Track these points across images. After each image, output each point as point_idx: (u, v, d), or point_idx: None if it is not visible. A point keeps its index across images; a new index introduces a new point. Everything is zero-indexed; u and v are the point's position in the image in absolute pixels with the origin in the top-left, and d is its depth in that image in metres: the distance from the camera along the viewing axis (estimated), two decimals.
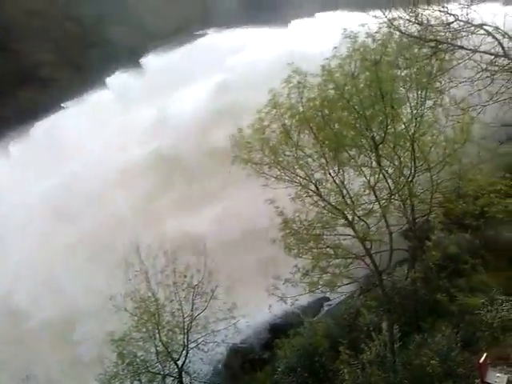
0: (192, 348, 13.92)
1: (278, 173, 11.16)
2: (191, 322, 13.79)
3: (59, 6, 33.50)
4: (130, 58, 26.53)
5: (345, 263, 11.93)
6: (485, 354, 7.28)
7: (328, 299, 15.43)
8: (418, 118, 10.89)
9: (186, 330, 13.78)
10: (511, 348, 7.36)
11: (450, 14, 10.94)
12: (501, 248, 12.69)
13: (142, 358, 13.55)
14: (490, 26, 10.94)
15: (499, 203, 11.18)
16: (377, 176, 11.40)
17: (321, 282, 11.73)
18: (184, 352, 13.75)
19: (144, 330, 13.62)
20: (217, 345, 14.21)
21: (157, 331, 13.56)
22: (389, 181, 11.49)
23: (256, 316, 14.82)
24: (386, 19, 10.35)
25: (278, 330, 14.93)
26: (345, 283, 11.95)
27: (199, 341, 13.98)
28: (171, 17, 31.36)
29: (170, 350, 13.60)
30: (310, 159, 11.03)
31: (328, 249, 11.89)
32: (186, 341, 13.71)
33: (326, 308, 15.93)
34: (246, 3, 32.49)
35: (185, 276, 13.81)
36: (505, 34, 10.83)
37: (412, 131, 10.97)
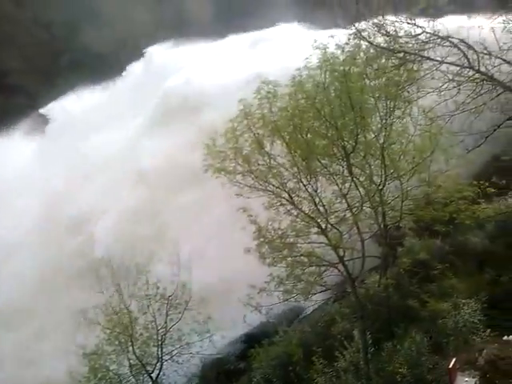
0: (166, 360, 13.70)
1: (252, 182, 11.18)
2: (165, 334, 13.59)
3: (27, 12, 32.82)
4: (101, 65, 26.20)
5: (319, 271, 12.03)
6: (454, 359, 7.41)
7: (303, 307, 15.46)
8: (388, 128, 11.10)
9: (160, 343, 13.56)
10: (478, 352, 7.53)
11: (418, 26, 11.28)
12: (469, 253, 13.02)
13: (114, 371, 13.27)
14: (455, 38, 11.32)
15: (467, 209, 11.46)
16: (348, 184, 11.56)
17: (295, 291, 11.78)
18: (158, 364, 13.53)
19: (117, 342, 13.36)
20: (191, 356, 14.02)
21: (130, 344, 13.31)
22: (360, 189, 11.66)
23: (231, 326, 14.71)
24: (355, 30, 10.59)
25: (254, 339, 14.84)
26: (319, 291, 12.04)
27: (173, 353, 13.77)
28: (143, 24, 31.13)
29: (143, 362, 13.37)
30: (282, 168, 11.10)
31: (302, 257, 11.97)
32: (160, 353, 13.49)
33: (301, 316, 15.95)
34: (221, 10, 32.62)
35: (157, 287, 13.63)
36: (470, 46, 11.23)
37: (382, 140, 11.17)
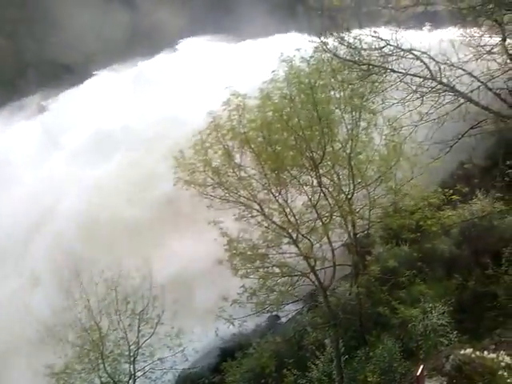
0: (139, 377, 13.43)
1: (222, 194, 11.19)
2: (137, 350, 13.32)
3: None
4: (69, 77, 25.79)
5: (291, 281, 12.08)
6: (421, 366, 7.54)
7: (278, 318, 15.45)
8: (354, 138, 11.31)
9: (131, 359, 13.29)
10: (445, 358, 7.71)
11: (381, 39, 11.60)
12: (437, 259, 13.32)
13: None
14: (418, 50, 11.70)
15: (433, 216, 11.77)
16: (318, 194, 11.70)
17: (268, 302, 11.79)
18: (131, 382, 13.23)
19: (87, 360, 13.02)
20: (165, 372, 13.79)
21: (101, 361, 12.98)
22: (329, 198, 11.82)
23: (205, 340, 14.57)
24: (320, 43, 10.81)
25: (228, 352, 14.73)
26: (291, 301, 12.09)
27: (146, 369, 13.51)
28: (113, 35, 30.83)
29: (115, 380, 13.06)
30: (252, 180, 11.16)
31: (274, 267, 12.01)
32: (132, 370, 13.22)
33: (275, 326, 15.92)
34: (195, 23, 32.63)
35: (128, 302, 13.40)
36: (432, 58, 11.62)
37: (349, 150, 11.37)
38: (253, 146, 10.74)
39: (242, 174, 11.00)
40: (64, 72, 28.58)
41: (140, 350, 13.33)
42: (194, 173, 10.86)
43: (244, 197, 11.14)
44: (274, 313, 12.56)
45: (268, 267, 11.89)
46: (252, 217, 11.31)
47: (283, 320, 14.97)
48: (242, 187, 11.03)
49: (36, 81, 28.35)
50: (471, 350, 8.10)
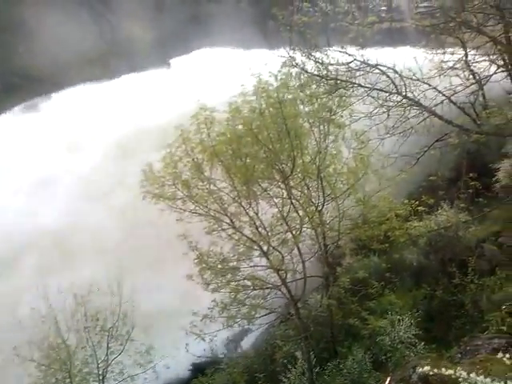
0: None
1: (192, 207, 11.12)
2: (106, 368, 12.96)
3: None
4: (38, 89, 25.28)
5: (262, 294, 12.06)
6: (388, 378, 7.61)
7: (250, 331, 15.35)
8: (323, 151, 11.48)
9: (101, 377, 12.90)
10: (412, 368, 7.78)
11: (349, 55, 11.88)
12: (405, 269, 13.56)
13: None
14: (383, 66, 12.02)
15: (400, 227, 12.00)
16: (288, 206, 11.78)
17: (239, 316, 11.71)
18: None
19: (54, 380, 12.58)
20: None
21: (68, 381, 12.57)
22: (300, 210, 11.91)
23: (176, 355, 14.30)
24: (288, 58, 10.98)
25: (200, 368, 14.50)
26: (263, 314, 12.04)
27: None
28: (83, 47, 30.46)
29: None
30: (222, 193, 11.15)
31: (245, 281, 11.97)
32: None
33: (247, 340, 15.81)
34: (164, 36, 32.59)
35: (97, 319, 13.07)
36: (397, 73, 11.95)
37: (318, 163, 11.52)
38: (222, 159, 10.76)
39: (212, 187, 10.96)
40: (33, 83, 28.01)
41: (109, 368, 12.96)
42: (164, 186, 10.77)
43: (214, 210, 11.10)
44: (246, 326, 12.42)
45: (239, 280, 11.85)
46: (222, 230, 11.27)
47: (256, 333, 14.89)
48: (212, 200, 11.00)
49: (3, 91, 27.69)
50: (436, 360, 8.22)
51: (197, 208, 11.08)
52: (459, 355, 8.29)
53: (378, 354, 11.57)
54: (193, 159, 10.66)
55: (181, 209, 11.01)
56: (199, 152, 10.68)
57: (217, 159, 10.73)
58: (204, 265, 11.12)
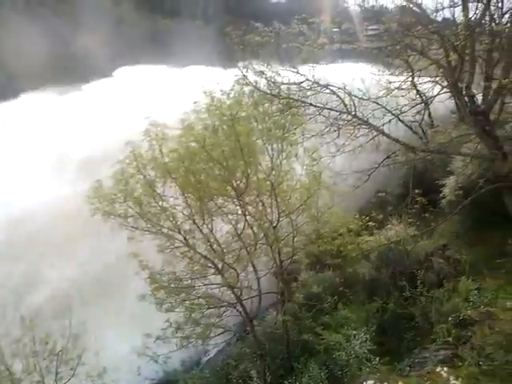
0: None
1: (144, 224, 10.93)
2: None
3: None
4: None
5: (218, 313, 11.93)
6: None
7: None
8: (277, 168, 11.62)
9: None
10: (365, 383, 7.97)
11: (301, 75, 12.21)
12: (358, 283, 13.82)
13: None
14: (334, 86, 12.42)
15: (352, 242, 12.25)
16: (243, 223, 11.80)
17: (194, 335, 11.51)
18: None
19: None
20: None
21: None
22: (255, 227, 11.95)
23: (129, 378, 13.83)
24: (241, 76, 11.15)
25: None
26: (218, 333, 11.90)
27: None
28: (34, 61, 29.65)
29: None
30: (175, 210, 11.03)
31: (200, 299, 11.81)
32: None
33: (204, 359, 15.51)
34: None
35: (46, 343, 12.46)
36: (347, 93, 12.38)
37: (272, 180, 11.64)
38: (175, 175, 10.67)
39: (165, 204, 10.83)
40: None
41: None
42: (114, 203, 10.53)
43: (167, 227, 10.95)
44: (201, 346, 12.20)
45: (194, 299, 11.69)
46: (175, 248, 11.12)
47: (212, 352, 14.66)
48: (164, 218, 10.85)
49: None
50: (386, 374, 8.41)
51: (149, 226, 10.89)
52: (408, 368, 8.50)
53: (333, 369, 11.63)
54: (144, 176, 10.51)
55: (132, 227, 10.80)
56: (151, 169, 10.55)
57: (169, 176, 10.63)
58: (157, 284, 10.89)
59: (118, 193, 10.63)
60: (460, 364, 7.54)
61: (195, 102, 10.57)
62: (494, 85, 11.62)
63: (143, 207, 10.73)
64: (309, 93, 12.19)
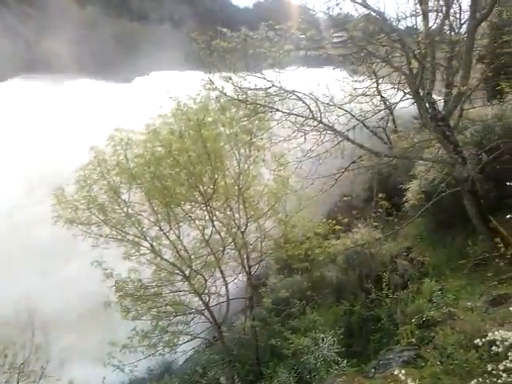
0: None
1: (109, 232, 10.70)
2: None
3: None
4: None
5: (185, 320, 11.80)
6: None
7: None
8: (244, 173, 11.63)
9: None
10: None
11: (267, 80, 12.26)
12: (326, 287, 13.97)
13: None
14: (300, 92, 12.54)
15: (320, 246, 12.38)
16: (211, 229, 11.74)
17: (161, 344, 11.33)
18: None
19: None
20: None
21: None
22: (223, 232, 11.91)
23: None
24: (208, 81, 11.11)
25: None
26: (186, 341, 11.75)
27: None
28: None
29: None
30: (141, 216, 10.85)
31: (168, 306, 11.65)
32: None
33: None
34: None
35: (6, 356, 11.97)
36: (312, 99, 12.52)
37: (240, 184, 11.64)
38: (141, 181, 10.51)
39: (130, 210, 10.64)
40: None
41: None
42: (77, 210, 10.27)
43: (132, 234, 10.76)
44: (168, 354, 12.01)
45: (161, 307, 11.52)
46: (141, 255, 10.93)
47: (181, 360, 14.44)
48: (129, 224, 10.66)
49: None
50: (351, 377, 8.49)
51: (114, 233, 10.67)
52: (373, 370, 8.59)
53: (302, 372, 11.67)
54: (109, 182, 10.30)
55: (96, 234, 10.56)
56: (116, 174, 10.36)
57: (135, 182, 10.47)
58: (122, 292, 10.67)
59: (82, 199, 10.37)
60: (423, 364, 7.69)
61: (161, 107, 10.45)
62: (455, 92, 12.01)
63: (107, 214, 10.51)
64: (275, 98, 12.26)
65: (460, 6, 13.12)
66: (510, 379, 5.06)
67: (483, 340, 5.45)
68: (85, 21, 37.15)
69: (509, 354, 5.16)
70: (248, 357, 12.70)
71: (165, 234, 10.99)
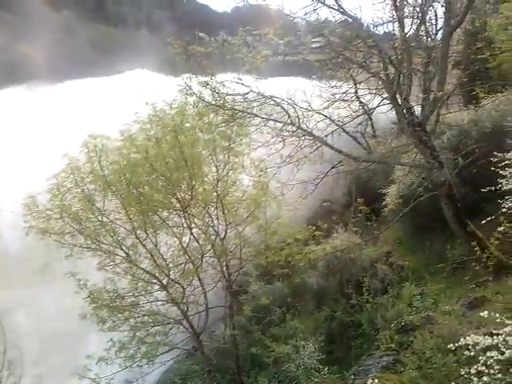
0: None
1: (83, 241, 10.38)
2: None
3: None
4: None
5: (164, 330, 11.51)
6: None
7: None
8: (223, 179, 11.47)
9: None
10: None
11: (245, 86, 12.15)
12: (307, 293, 13.87)
13: None
14: (278, 97, 12.46)
15: (300, 252, 12.28)
16: (189, 236, 11.52)
17: (139, 355, 11.02)
18: None
19: None
20: None
21: None
22: (201, 239, 11.70)
23: None
24: (185, 86, 10.94)
25: None
26: (164, 351, 11.46)
27: None
28: None
29: None
30: (116, 224, 10.57)
31: (145, 317, 11.36)
32: None
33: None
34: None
35: None
36: (291, 105, 12.45)
37: (219, 191, 11.47)
38: (116, 188, 10.24)
39: (105, 219, 10.34)
40: None
41: None
42: (50, 220, 9.92)
43: (107, 243, 10.46)
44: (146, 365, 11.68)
45: (138, 317, 11.22)
46: (116, 264, 10.63)
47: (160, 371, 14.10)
48: (104, 233, 10.36)
49: None
50: (333, 383, 8.41)
51: (88, 242, 10.35)
52: (353, 376, 8.51)
53: (283, 381, 11.53)
54: (83, 190, 10.00)
55: (70, 244, 10.22)
56: (90, 182, 10.06)
57: (110, 189, 10.19)
58: (97, 303, 10.34)
59: (54, 208, 10.03)
60: (402, 369, 7.65)
61: (137, 113, 10.23)
62: (431, 97, 12.10)
63: (81, 223, 10.19)
64: (254, 104, 12.15)
65: (435, 12, 13.31)
66: (480, 382, 5.06)
67: (458, 344, 5.43)
68: (60, 25, 36.51)
69: (480, 358, 5.17)
70: (228, 366, 12.49)
71: (141, 242, 10.72)
